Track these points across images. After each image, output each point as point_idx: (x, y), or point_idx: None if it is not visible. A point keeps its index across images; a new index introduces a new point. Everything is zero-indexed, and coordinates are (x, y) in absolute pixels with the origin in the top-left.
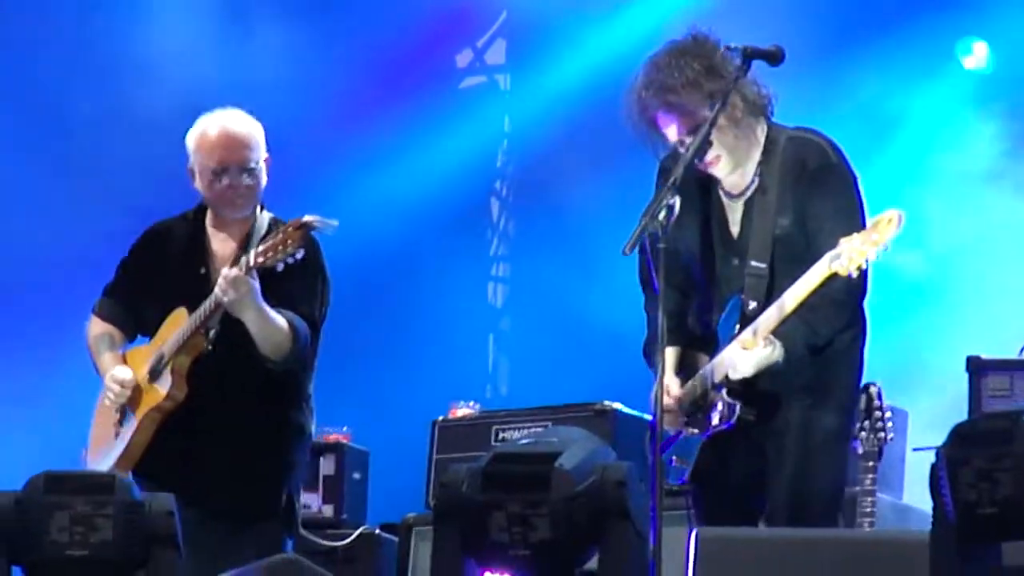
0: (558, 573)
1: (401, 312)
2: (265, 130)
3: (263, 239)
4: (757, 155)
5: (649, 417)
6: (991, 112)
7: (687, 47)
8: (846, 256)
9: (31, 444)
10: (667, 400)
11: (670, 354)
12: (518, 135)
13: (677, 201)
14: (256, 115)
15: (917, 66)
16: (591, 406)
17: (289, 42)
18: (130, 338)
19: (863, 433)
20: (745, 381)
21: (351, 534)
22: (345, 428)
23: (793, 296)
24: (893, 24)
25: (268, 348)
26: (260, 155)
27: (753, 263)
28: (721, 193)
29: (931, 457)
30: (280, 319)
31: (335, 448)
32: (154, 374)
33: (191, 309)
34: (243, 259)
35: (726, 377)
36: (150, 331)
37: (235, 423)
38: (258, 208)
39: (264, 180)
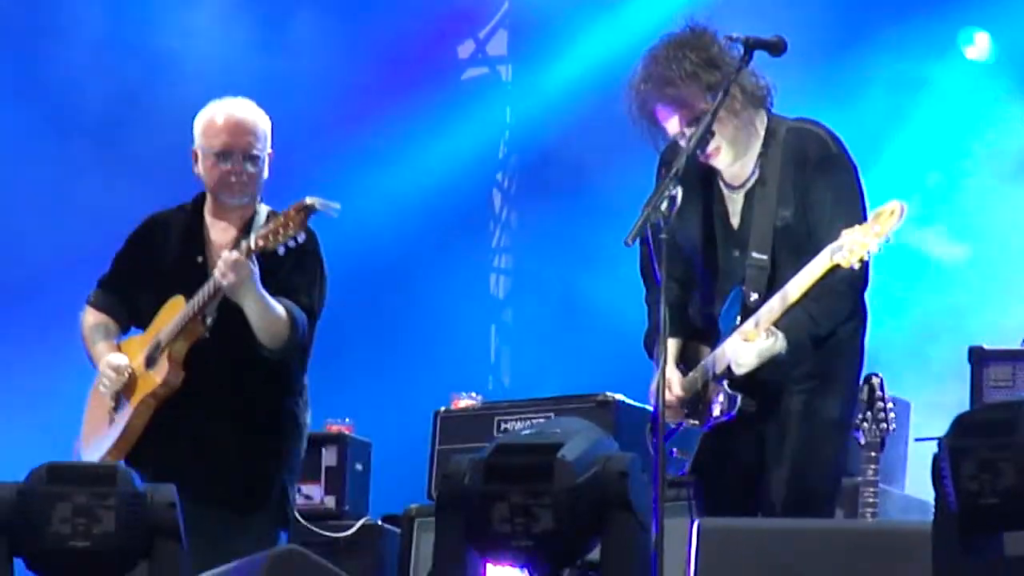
0: (560, 564)
1: (403, 304)
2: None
3: (263, 227)
4: (757, 146)
5: (651, 408)
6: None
7: (685, 39)
8: (848, 248)
9: (33, 435)
10: (667, 396)
11: (671, 346)
12: (520, 126)
13: (679, 192)
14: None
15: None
16: (593, 397)
17: (291, 34)
18: (124, 329)
19: (865, 424)
20: (746, 372)
21: (353, 525)
22: (347, 419)
23: (795, 287)
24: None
25: (266, 336)
26: (265, 145)
27: (754, 255)
28: (722, 185)
29: (933, 448)
30: (279, 307)
31: (337, 439)
32: (150, 361)
33: (188, 297)
34: (243, 242)
35: (727, 369)
36: (145, 322)
37: (229, 412)
38: (258, 200)
39: (266, 173)
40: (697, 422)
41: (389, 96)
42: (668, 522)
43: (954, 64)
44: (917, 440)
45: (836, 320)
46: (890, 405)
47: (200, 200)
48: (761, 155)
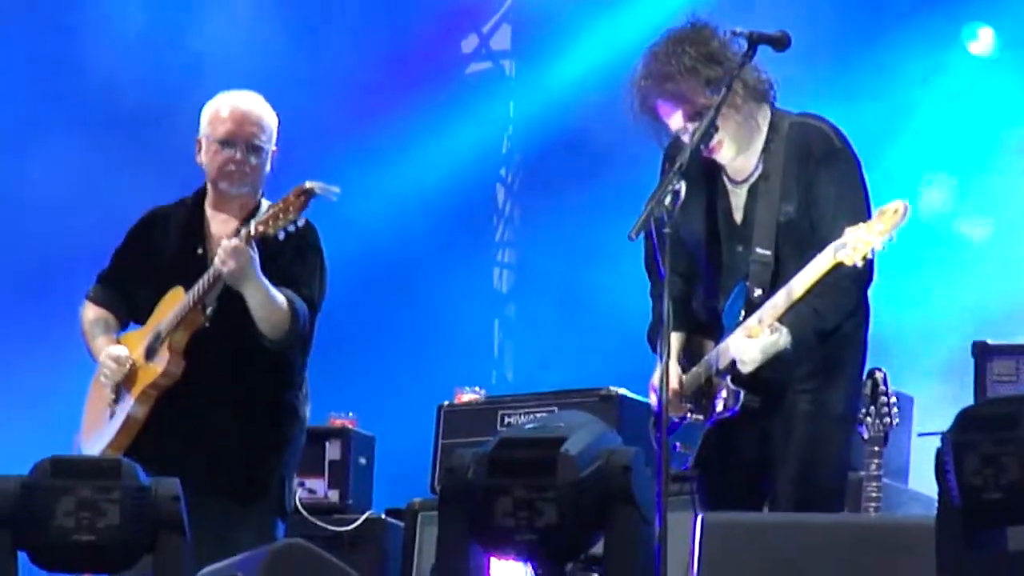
0: (564, 558)
1: (407, 298)
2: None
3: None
4: (760, 141)
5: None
6: None
7: (684, 35)
8: (851, 246)
9: (34, 432)
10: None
11: (674, 340)
12: (523, 121)
13: (683, 186)
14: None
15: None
16: (597, 391)
17: (293, 30)
18: (123, 324)
19: (869, 418)
20: (751, 370)
21: (357, 519)
22: (351, 413)
23: (799, 284)
24: None
25: (267, 326)
26: (270, 139)
27: (758, 250)
28: (726, 179)
29: (937, 442)
30: (280, 296)
31: (341, 433)
32: (150, 352)
33: (188, 289)
34: (243, 229)
35: (731, 364)
36: (144, 318)
37: (230, 401)
38: (260, 194)
39: (268, 168)
40: (700, 417)
41: (393, 91)
42: (671, 516)
43: (959, 59)
44: (920, 435)
45: (841, 315)
46: (893, 400)
47: (200, 194)
48: (764, 150)
